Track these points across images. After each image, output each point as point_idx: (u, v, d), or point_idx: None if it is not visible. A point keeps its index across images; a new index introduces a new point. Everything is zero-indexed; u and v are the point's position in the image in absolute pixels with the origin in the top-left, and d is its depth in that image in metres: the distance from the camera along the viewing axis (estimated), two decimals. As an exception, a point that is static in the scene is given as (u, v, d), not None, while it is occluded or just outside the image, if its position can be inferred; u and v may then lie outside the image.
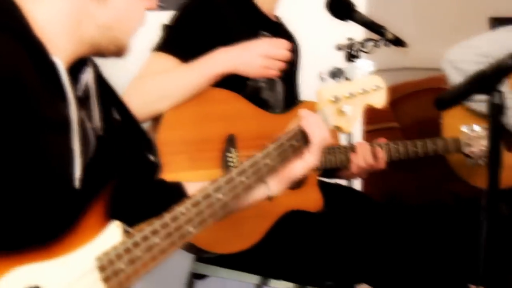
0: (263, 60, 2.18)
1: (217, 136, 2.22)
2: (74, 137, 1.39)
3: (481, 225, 3.25)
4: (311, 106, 2.17)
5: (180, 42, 2.27)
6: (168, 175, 1.99)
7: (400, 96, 4.91)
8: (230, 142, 2.22)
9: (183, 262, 2.55)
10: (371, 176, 4.10)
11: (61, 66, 1.37)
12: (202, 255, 2.38)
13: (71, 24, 1.41)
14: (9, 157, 1.27)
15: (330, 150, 2.34)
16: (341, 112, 1.82)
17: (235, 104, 2.28)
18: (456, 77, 2.75)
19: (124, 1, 1.46)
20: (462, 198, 4.08)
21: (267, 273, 2.37)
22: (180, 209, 1.45)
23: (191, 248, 2.21)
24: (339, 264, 2.25)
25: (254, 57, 2.18)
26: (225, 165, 2.19)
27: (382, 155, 2.37)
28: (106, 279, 1.34)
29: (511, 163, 2.73)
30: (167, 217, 1.43)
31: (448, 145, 2.52)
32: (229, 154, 2.21)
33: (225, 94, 2.27)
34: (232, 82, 2.28)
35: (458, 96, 1.78)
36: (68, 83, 1.38)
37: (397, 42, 2.58)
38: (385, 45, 2.69)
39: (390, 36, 2.50)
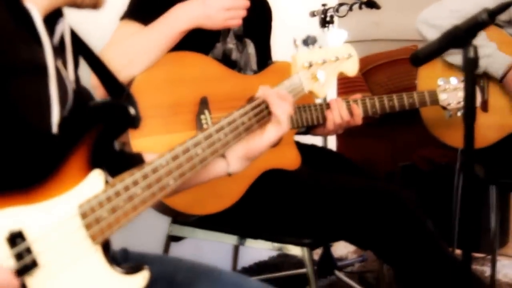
0: (224, 12, 2.18)
1: (190, 99, 2.22)
2: (51, 82, 1.40)
3: (455, 189, 3.30)
4: (284, 67, 2.21)
5: (143, 8, 2.28)
6: (142, 139, 2.01)
7: (373, 66, 4.95)
8: (203, 104, 2.23)
9: (160, 225, 2.57)
10: (343, 143, 4.14)
11: (35, 12, 1.38)
12: (180, 218, 2.39)
13: None
14: None
15: (306, 107, 2.36)
16: (315, 78, 1.86)
17: (206, 66, 2.29)
18: (432, 35, 2.78)
19: None
20: (435, 163, 4.13)
21: (245, 233, 2.39)
22: (160, 161, 1.46)
23: (169, 211, 2.22)
24: (317, 222, 2.27)
25: (216, 10, 2.17)
26: (199, 128, 2.20)
27: (358, 111, 2.39)
28: (88, 226, 1.35)
29: (486, 124, 2.79)
30: (147, 168, 1.44)
31: (424, 98, 2.54)
32: (203, 116, 2.22)
33: (196, 57, 2.28)
34: (201, 44, 2.29)
35: (433, 51, 1.80)
36: (43, 29, 1.39)
37: (371, 4, 2.61)
38: (359, 7, 2.72)
39: (365, -1, 2.52)
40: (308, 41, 1.90)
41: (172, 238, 2.54)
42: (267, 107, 1.70)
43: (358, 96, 2.46)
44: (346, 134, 4.18)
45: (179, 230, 2.52)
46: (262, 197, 2.33)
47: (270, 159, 2.36)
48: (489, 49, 2.78)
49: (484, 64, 2.79)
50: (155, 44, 2.16)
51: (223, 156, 1.68)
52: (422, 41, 2.92)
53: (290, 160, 2.43)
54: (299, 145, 2.51)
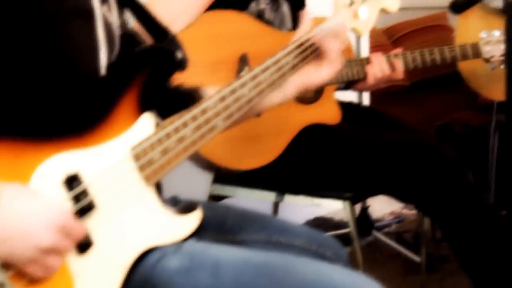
0: None
1: (229, 56, 2.23)
2: (98, 26, 1.41)
3: (491, 148, 3.28)
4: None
5: None
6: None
7: (401, 35, 4.92)
8: (243, 61, 2.23)
9: (202, 185, 2.58)
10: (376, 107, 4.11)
11: None
12: (222, 173, 2.40)
13: None
14: (34, 44, 1.28)
15: (346, 63, 2.36)
16: (356, 15, 1.84)
17: (245, 24, 2.29)
18: None
19: None
20: (469, 126, 4.11)
21: (285, 190, 2.39)
22: (208, 103, 1.47)
23: (211, 166, 2.23)
24: (358, 176, 2.27)
25: None
26: None
27: (399, 65, 2.38)
28: (141, 168, 1.36)
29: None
30: (196, 110, 1.45)
31: (467, 51, 2.52)
32: (243, 73, 2.21)
33: (234, 15, 2.28)
34: (235, 4, 2.28)
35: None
36: None
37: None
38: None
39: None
40: None
41: (214, 198, 2.55)
42: (311, 45, 1.69)
43: (398, 50, 2.44)
44: (378, 102, 4.18)
45: (221, 189, 2.53)
46: (303, 152, 2.33)
47: (311, 114, 2.37)
48: None
49: None
50: (195, 2, 2.15)
51: None
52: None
53: (330, 115, 2.43)
54: (340, 102, 2.50)
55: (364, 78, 2.41)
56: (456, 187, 2.24)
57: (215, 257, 1.36)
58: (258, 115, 1.96)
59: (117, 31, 1.48)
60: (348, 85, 2.51)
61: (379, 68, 2.38)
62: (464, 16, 2.87)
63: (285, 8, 2.50)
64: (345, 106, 2.55)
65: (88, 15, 1.40)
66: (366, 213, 3.47)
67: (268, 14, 2.43)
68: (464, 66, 2.91)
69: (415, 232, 3.46)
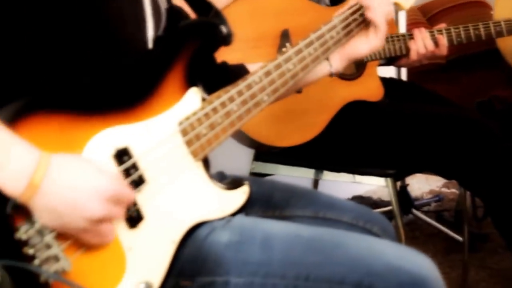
0: None
1: (271, 32, 2.21)
2: None
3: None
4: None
5: None
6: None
7: (438, 11, 4.86)
8: (285, 37, 2.21)
9: (242, 163, 2.57)
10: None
11: None
12: (263, 151, 2.39)
13: None
14: (83, 17, 1.28)
15: (388, 38, 2.33)
16: None
17: None
18: None
19: None
20: (509, 103, 4.06)
21: (327, 167, 2.38)
22: (253, 77, 1.46)
23: (252, 144, 2.22)
24: (401, 152, 2.25)
25: None
26: None
27: (443, 41, 2.34)
28: (188, 143, 1.36)
29: None
30: (241, 85, 1.44)
31: None
32: (284, 49, 2.20)
33: None
34: None
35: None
36: None
37: None
38: None
39: None
40: None
41: (255, 175, 2.55)
42: (354, 20, 1.67)
43: (442, 25, 2.40)
44: (414, 79, 4.14)
45: (262, 167, 2.52)
46: (345, 128, 2.32)
47: (353, 90, 2.35)
48: None
49: None
50: None
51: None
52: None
53: (373, 91, 2.41)
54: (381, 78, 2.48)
55: (406, 54, 2.38)
56: (501, 161, 2.22)
57: (265, 231, 1.36)
58: (299, 91, 1.95)
59: (163, 5, 1.48)
60: (390, 61, 2.48)
61: (422, 43, 2.35)
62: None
63: None
64: (387, 82, 2.52)
65: None
66: (405, 191, 3.44)
67: None
68: (504, 43, 2.87)
69: (455, 211, 3.42)
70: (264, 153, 2.47)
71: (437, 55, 2.38)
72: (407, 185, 3.51)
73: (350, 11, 1.68)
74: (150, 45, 1.41)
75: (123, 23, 1.35)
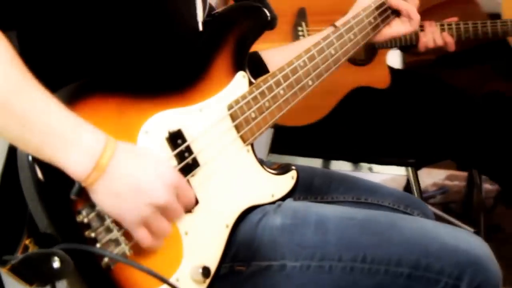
0: None
1: (287, 9, 2.20)
2: None
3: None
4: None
5: None
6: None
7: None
8: (301, 15, 2.20)
9: (259, 155, 2.55)
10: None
11: None
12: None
13: None
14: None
15: None
16: None
17: None
18: None
19: None
20: (506, 97, 4.07)
21: (345, 157, 2.38)
22: (298, 62, 1.46)
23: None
24: (420, 141, 2.25)
25: None
26: (295, 39, 2.18)
27: (449, 39, 2.32)
28: (238, 127, 1.35)
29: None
30: (287, 69, 1.44)
31: None
32: (300, 28, 2.20)
33: None
34: None
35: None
36: None
37: None
38: None
39: None
40: None
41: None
42: (388, 7, 1.67)
43: (454, 19, 2.40)
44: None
45: (278, 159, 2.51)
46: (364, 118, 2.31)
47: (361, 76, 2.35)
48: None
49: None
50: None
51: None
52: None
53: (381, 79, 2.40)
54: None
55: (415, 44, 2.37)
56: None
57: (318, 214, 1.35)
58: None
59: None
60: (401, 49, 2.48)
61: (432, 37, 2.34)
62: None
63: None
64: (395, 72, 2.52)
65: None
66: (410, 184, 3.44)
67: None
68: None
69: (463, 202, 3.43)
70: (281, 143, 2.45)
71: (445, 50, 2.37)
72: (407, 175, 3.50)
73: (378, 9, 1.68)
74: (200, 26, 1.40)
75: (176, 4, 1.34)
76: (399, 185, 3.31)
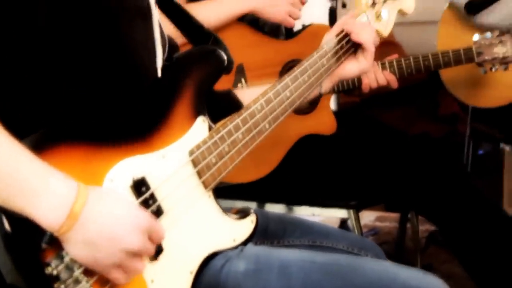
0: (289, 6, 2.19)
1: None
2: (155, 24, 1.40)
3: (466, 156, 3.33)
4: (321, 29, 2.21)
5: None
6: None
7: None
8: (240, 72, 2.21)
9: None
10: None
11: None
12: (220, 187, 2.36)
13: None
14: (99, 44, 1.26)
15: None
16: (379, 17, 1.85)
17: (241, 33, 2.28)
18: None
19: None
20: (431, 138, 4.16)
21: (288, 200, 2.39)
22: (256, 106, 1.47)
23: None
24: (360, 184, 2.28)
25: (282, 2, 2.18)
26: None
27: (391, 77, 2.35)
28: (199, 172, 1.35)
29: (506, 82, 2.81)
30: (245, 113, 1.44)
31: (460, 55, 2.51)
32: (240, 85, 2.21)
33: (230, 24, 2.26)
34: None
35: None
36: None
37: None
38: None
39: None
40: None
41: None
42: (342, 47, 1.70)
43: (394, 56, 2.44)
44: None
45: (222, 203, 2.49)
46: (303, 163, 2.32)
47: (306, 124, 2.36)
48: None
49: (507, 24, 2.77)
50: (220, 18, 2.15)
51: None
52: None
53: (327, 125, 2.43)
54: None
55: (359, 86, 2.40)
56: (460, 191, 2.27)
57: (280, 258, 1.35)
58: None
59: (166, 34, 1.47)
60: (343, 92, 2.51)
61: (374, 78, 2.37)
62: (444, 22, 2.90)
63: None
64: (340, 115, 2.55)
65: (146, 14, 1.38)
66: (345, 225, 3.47)
67: (262, 21, 2.42)
68: (446, 74, 2.93)
69: (395, 243, 3.48)
70: (222, 189, 2.44)
71: (388, 88, 2.41)
72: (347, 219, 3.54)
73: (337, 39, 1.70)
74: (159, 72, 1.39)
75: (136, 50, 1.34)
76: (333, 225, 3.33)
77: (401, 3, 1.93)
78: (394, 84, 2.35)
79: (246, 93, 1.59)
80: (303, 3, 2.28)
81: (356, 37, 1.68)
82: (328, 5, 3.00)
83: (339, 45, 1.69)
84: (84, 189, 1.09)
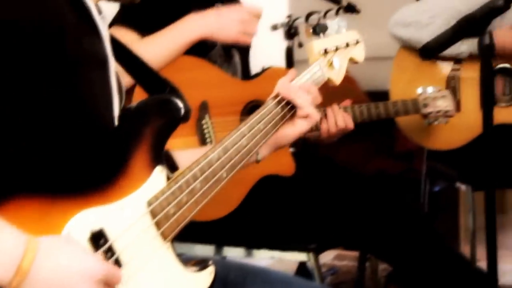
0: (240, 25, 2.18)
1: (190, 104, 2.19)
2: (112, 74, 1.38)
3: (422, 194, 3.34)
4: (279, 72, 2.22)
5: (139, 15, 2.24)
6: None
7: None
8: (203, 109, 2.21)
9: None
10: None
11: (91, 3, 1.36)
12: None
13: None
14: (57, 95, 1.24)
15: None
16: (331, 65, 1.86)
17: (205, 71, 2.28)
18: (410, 33, 2.79)
19: None
20: (388, 175, 4.18)
21: (246, 244, 2.36)
22: (213, 154, 1.46)
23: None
24: (320, 226, 2.27)
25: (231, 22, 2.18)
26: (200, 132, 2.18)
27: (349, 119, 2.36)
28: (158, 223, 1.33)
29: (460, 124, 2.85)
30: (203, 162, 1.43)
31: (408, 106, 2.58)
32: (203, 121, 2.20)
33: (195, 61, 2.27)
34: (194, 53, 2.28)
35: (446, 41, 1.84)
36: (100, 21, 1.37)
37: (350, 8, 2.65)
38: (336, 13, 2.74)
39: (345, 3, 2.56)
40: (317, 29, 1.91)
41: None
42: (288, 103, 1.69)
43: (347, 102, 2.45)
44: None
45: (178, 247, 2.45)
46: (263, 204, 2.31)
47: (266, 165, 2.34)
48: None
49: (465, 49, 2.82)
50: (167, 52, 2.14)
51: None
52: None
53: (285, 166, 2.42)
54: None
55: (317, 130, 2.40)
56: (417, 233, 2.28)
57: None
58: None
59: (123, 79, 1.45)
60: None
61: (334, 122, 2.37)
62: (396, 72, 2.95)
63: (237, 59, 2.50)
64: (298, 156, 2.55)
65: (103, 64, 1.37)
66: (305, 267, 3.45)
67: (222, 65, 2.42)
68: (402, 118, 2.95)
69: (354, 282, 3.46)
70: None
71: (345, 132, 2.40)
72: (307, 260, 3.52)
73: (274, 101, 1.69)
74: (116, 122, 1.38)
75: (93, 100, 1.33)
76: (290, 267, 3.32)
77: (352, 51, 1.96)
78: (351, 125, 2.35)
79: (181, 155, 1.59)
80: (258, 17, 2.27)
81: (300, 111, 1.69)
82: (284, 44, 3.01)
83: (276, 110, 1.68)
84: (33, 243, 1.08)
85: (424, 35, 1.90)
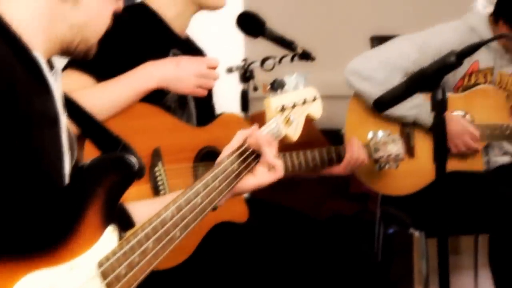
0: (197, 79, 2.18)
1: (142, 151, 2.16)
2: (63, 131, 1.37)
3: (377, 237, 3.36)
4: (232, 118, 2.22)
5: (95, 59, 2.22)
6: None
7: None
8: (156, 156, 2.19)
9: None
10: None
11: (43, 60, 1.35)
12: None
13: (45, 23, 1.38)
14: (4, 156, 1.22)
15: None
16: (288, 122, 1.86)
17: (157, 117, 2.26)
18: (366, 87, 2.83)
19: (95, 3, 1.44)
20: (342, 216, 4.19)
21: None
22: (166, 213, 1.44)
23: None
24: (276, 275, 2.26)
25: (188, 75, 2.17)
26: (153, 180, 2.16)
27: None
28: (109, 285, 1.30)
29: (413, 169, 2.87)
30: (156, 221, 1.41)
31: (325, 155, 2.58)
32: (156, 169, 2.18)
33: (148, 108, 2.24)
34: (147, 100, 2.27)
35: (399, 95, 1.85)
36: (51, 78, 1.36)
37: (305, 55, 2.66)
38: (291, 60, 2.75)
39: (300, 50, 2.57)
40: (275, 86, 1.91)
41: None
42: (252, 152, 1.69)
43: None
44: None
45: None
46: (217, 251, 2.30)
47: (221, 212, 2.33)
48: (417, 100, 2.84)
49: (413, 114, 2.88)
50: (121, 99, 2.12)
51: None
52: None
53: (239, 213, 2.41)
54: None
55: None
56: (371, 282, 2.28)
57: None
58: None
59: (74, 136, 1.44)
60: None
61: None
62: (351, 115, 2.97)
63: (192, 106, 2.49)
64: (252, 203, 2.54)
65: (54, 122, 1.36)
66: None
67: (177, 112, 2.41)
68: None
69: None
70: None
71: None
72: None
73: (240, 150, 1.69)
74: (67, 179, 1.36)
75: (43, 158, 1.31)
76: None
77: (310, 108, 1.96)
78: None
79: (136, 208, 1.57)
80: (214, 68, 2.26)
81: (265, 155, 1.69)
82: (240, 88, 3.01)
83: (250, 151, 1.68)
84: None
85: (378, 93, 1.93)
